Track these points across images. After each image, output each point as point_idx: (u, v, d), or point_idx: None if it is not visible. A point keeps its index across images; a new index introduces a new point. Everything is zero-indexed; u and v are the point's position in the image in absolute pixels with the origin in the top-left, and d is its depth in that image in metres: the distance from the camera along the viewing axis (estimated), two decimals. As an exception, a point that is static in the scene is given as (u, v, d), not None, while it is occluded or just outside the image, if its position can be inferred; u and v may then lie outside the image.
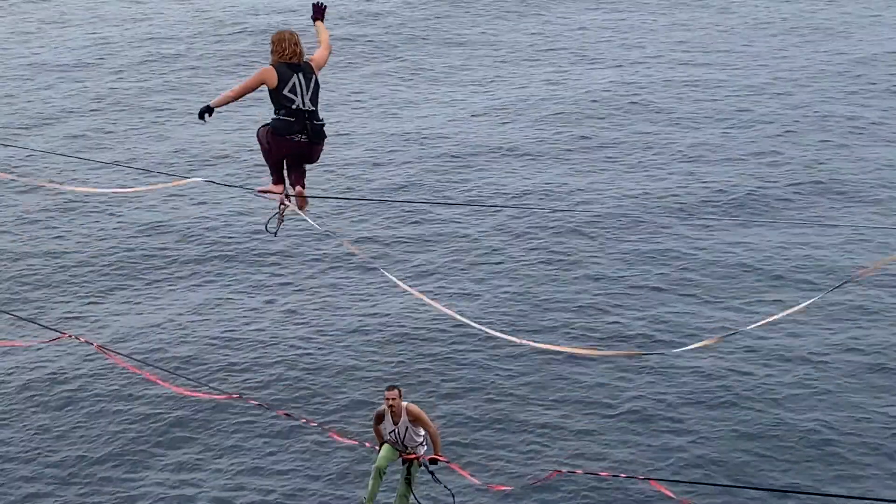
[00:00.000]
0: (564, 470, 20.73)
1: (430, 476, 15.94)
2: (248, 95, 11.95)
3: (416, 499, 16.09)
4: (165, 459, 21.29)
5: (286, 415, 19.56)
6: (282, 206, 12.16)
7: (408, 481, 15.98)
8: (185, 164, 33.57)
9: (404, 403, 15.49)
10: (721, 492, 22.12)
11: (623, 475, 17.46)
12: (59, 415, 22.56)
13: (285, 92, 11.53)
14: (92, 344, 17.35)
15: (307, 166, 12.22)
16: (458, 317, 13.17)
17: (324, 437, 20.14)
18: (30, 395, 23.29)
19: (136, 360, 20.41)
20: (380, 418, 15.79)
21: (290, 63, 11.57)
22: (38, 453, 21.63)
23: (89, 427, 22.17)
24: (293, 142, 11.63)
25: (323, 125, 11.81)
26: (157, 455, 21.44)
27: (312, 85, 11.67)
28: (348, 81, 39.34)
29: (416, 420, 15.47)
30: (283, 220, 12.27)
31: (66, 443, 21.81)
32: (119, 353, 19.59)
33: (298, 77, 11.59)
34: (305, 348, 24.45)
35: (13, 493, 20.68)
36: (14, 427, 22.35)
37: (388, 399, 15.45)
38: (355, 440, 17.47)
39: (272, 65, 11.65)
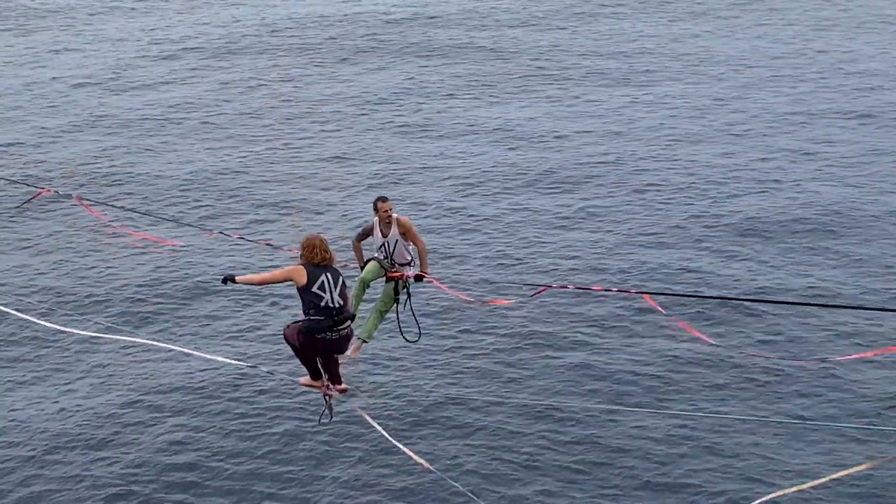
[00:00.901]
0: (555, 284, 20.52)
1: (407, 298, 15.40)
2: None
3: (414, 315, 15.49)
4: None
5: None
6: (327, 399, 13.47)
7: (395, 300, 15.40)
8: None
9: (395, 215, 15.01)
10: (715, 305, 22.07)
11: (614, 289, 17.12)
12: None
13: (314, 289, 12.42)
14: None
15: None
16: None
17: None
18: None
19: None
20: (366, 234, 15.25)
21: (318, 264, 12.53)
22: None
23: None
24: (325, 339, 12.64)
25: (352, 317, 12.82)
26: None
27: (340, 284, 12.58)
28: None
29: (406, 233, 14.96)
30: (332, 410, 13.62)
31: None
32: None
33: (326, 276, 12.49)
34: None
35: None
36: None
37: (381, 209, 14.90)
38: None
39: (301, 264, 12.57)
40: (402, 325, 15.64)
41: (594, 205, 28.20)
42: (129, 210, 23.89)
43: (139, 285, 24.44)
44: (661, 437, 19.05)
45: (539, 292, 17.15)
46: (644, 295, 15.37)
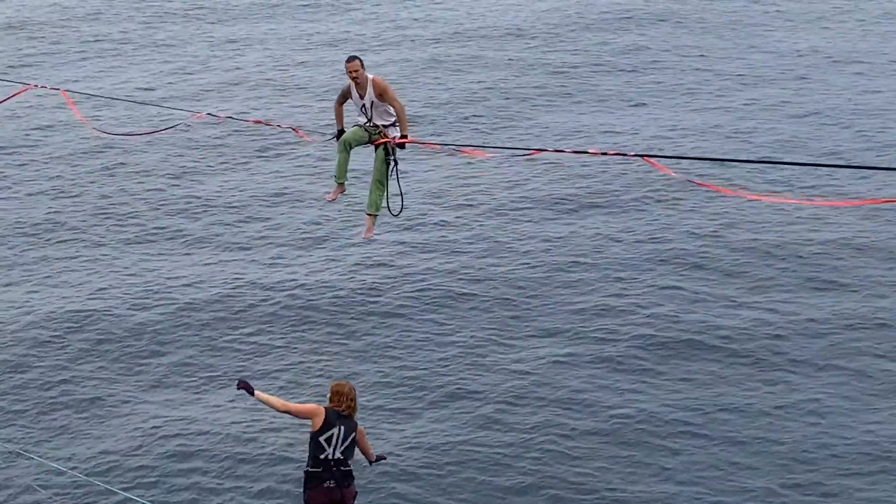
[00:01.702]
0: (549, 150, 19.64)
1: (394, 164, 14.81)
2: None
3: (399, 186, 14.91)
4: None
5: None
6: None
7: (386, 164, 14.78)
8: None
9: (369, 75, 14.28)
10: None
11: (611, 153, 16.02)
12: None
13: (321, 439, 12.53)
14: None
15: None
16: None
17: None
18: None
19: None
20: (345, 96, 14.60)
21: (340, 414, 12.63)
22: None
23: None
24: (325, 489, 12.65)
25: (350, 472, 12.76)
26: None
27: (350, 440, 12.66)
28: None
29: (382, 94, 14.21)
30: None
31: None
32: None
33: (340, 429, 12.58)
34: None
35: None
36: None
37: (350, 72, 14.20)
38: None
39: (325, 407, 12.65)
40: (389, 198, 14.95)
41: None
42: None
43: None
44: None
45: (530, 155, 15.99)
46: (645, 158, 14.32)
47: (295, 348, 20.36)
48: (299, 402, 13.76)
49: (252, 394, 12.34)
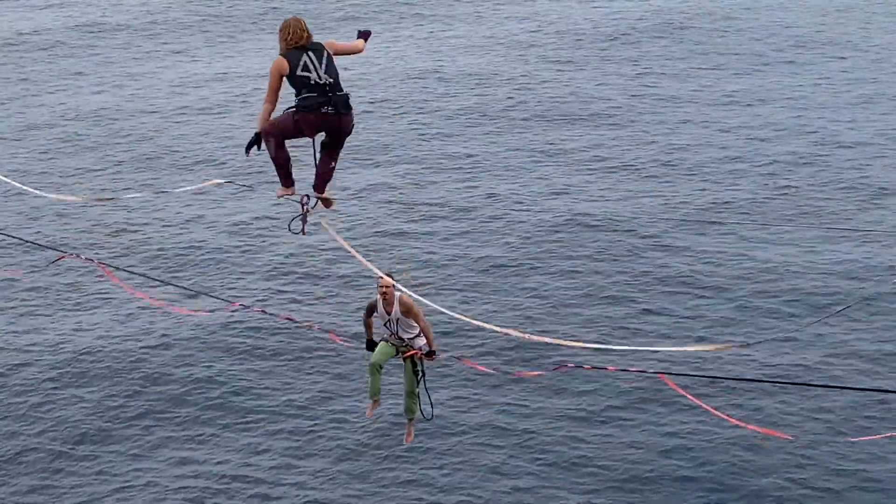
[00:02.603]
0: (572, 364, 20.24)
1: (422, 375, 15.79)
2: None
3: (427, 393, 15.82)
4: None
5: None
6: (305, 206, 12.50)
7: (415, 374, 15.75)
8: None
9: (397, 294, 15.08)
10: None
11: (633, 369, 16.80)
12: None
13: (299, 72, 11.68)
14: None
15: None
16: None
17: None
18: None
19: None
20: (371, 310, 15.45)
21: (298, 46, 11.74)
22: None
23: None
24: (321, 114, 11.78)
25: (347, 95, 11.94)
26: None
27: (325, 60, 11.79)
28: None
29: (407, 312, 15.07)
30: (307, 221, 12.58)
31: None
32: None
33: (308, 55, 11.72)
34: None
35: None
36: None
37: (381, 287, 15.04)
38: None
39: (281, 54, 11.81)
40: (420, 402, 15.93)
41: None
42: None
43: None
44: None
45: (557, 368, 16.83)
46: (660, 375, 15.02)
47: None
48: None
49: (260, 138, 11.87)
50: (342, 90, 11.85)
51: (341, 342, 18.92)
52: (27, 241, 23.75)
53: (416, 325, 15.18)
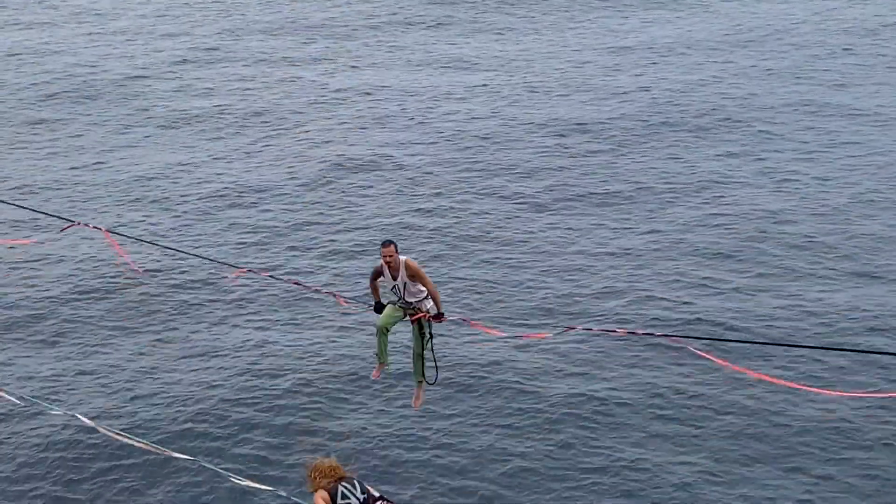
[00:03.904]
0: (579, 326, 20.25)
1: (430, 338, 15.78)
2: None
3: (433, 356, 15.78)
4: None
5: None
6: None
7: (422, 336, 15.74)
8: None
9: (402, 258, 15.07)
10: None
11: (640, 331, 16.91)
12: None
13: (339, 501, 12.76)
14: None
15: None
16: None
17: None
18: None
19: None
20: (377, 274, 15.42)
21: (333, 481, 12.87)
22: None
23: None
24: None
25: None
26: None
27: (359, 485, 12.92)
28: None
29: (414, 276, 15.04)
30: None
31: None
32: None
33: (343, 485, 12.86)
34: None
35: None
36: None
37: (384, 255, 15.02)
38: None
39: (321, 488, 12.84)
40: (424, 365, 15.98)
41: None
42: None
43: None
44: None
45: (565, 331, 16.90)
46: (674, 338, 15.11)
47: None
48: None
49: None
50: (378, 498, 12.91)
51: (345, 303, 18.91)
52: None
53: (423, 288, 15.15)
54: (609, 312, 23.00)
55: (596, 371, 21.39)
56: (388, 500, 12.98)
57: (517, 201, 30.00)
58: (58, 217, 22.09)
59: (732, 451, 18.97)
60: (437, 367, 15.97)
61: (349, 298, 18.94)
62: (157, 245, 22.33)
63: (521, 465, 19.00)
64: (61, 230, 20.72)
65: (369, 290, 15.89)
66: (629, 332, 16.08)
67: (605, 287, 24.62)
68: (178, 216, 29.87)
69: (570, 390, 20.82)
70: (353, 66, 42.51)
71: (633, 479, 18.42)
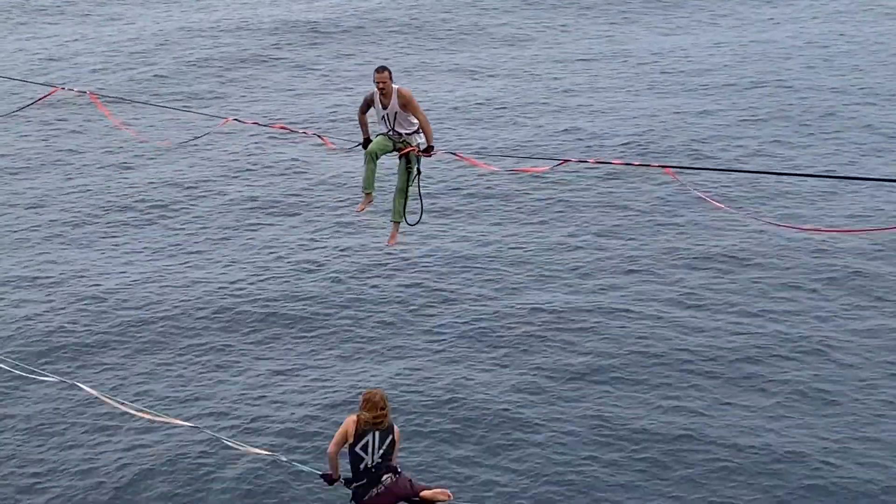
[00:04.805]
0: (575, 159, 19.92)
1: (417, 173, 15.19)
2: None
3: (419, 194, 15.26)
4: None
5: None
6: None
7: (408, 172, 15.18)
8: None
9: (395, 86, 14.53)
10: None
11: (635, 163, 16.37)
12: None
13: (357, 449, 12.42)
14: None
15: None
16: None
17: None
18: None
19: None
20: (368, 105, 14.87)
21: (371, 421, 12.48)
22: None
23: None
24: (375, 495, 12.53)
25: (387, 470, 12.57)
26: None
27: (386, 444, 12.53)
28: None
29: (406, 105, 14.47)
30: None
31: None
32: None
33: (374, 435, 12.48)
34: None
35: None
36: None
37: (377, 81, 14.47)
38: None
39: (357, 415, 12.52)
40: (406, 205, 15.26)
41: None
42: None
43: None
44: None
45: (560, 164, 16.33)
46: (666, 169, 14.66)
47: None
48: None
49: (333, 480, 12.69)
50: (390, 466, 12.56)
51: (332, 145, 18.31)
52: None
53: (414, 120, 14.62)
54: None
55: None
56: (398, 474, 12.61)
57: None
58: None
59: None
60: (422, 207, 15.38)
61: (335, 139, 18.40)
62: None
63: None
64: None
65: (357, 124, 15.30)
66: (625, 164, 15.49)
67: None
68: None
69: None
70: None
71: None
